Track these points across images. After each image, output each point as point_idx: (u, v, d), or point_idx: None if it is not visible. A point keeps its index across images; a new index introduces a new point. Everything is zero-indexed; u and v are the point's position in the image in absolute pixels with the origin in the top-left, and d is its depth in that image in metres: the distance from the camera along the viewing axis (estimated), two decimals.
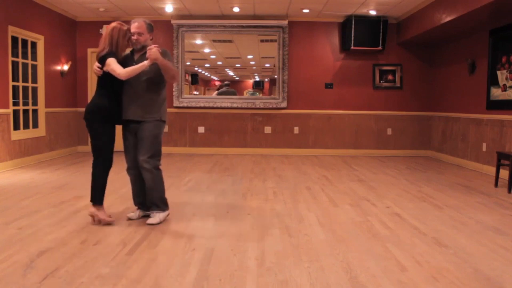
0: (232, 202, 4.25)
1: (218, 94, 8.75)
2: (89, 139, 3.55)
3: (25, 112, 6.62)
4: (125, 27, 3.41)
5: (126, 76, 3.26)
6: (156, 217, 3.45)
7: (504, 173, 5.26)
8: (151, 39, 3.51)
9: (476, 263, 2.66)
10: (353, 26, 7.62)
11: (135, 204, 3.65)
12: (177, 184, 5.12)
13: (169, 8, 7.45)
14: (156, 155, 3.45)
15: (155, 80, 3.43)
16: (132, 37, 3.41)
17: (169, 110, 8.07)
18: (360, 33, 7.66)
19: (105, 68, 3.31)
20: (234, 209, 3.95)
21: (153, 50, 3.21)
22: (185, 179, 5.49)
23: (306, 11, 7.58)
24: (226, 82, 8.97)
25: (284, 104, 8.16)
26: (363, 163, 7.17)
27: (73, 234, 3.13)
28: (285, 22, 7.92)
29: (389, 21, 7.87)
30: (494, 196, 4.68)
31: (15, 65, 6.33)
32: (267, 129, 8.27)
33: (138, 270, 2.49)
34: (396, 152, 8.28)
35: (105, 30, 3.40)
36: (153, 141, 3.42)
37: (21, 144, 6.33)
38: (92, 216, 3.41)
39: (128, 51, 3.55)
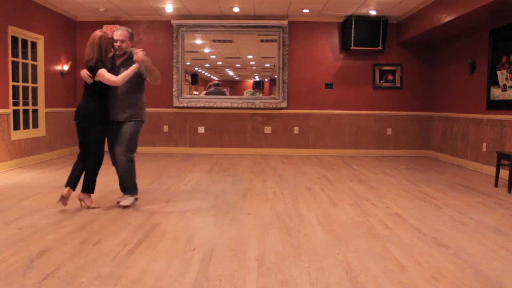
0: (232, 202, 4.25)
1: (207, 94, 8.70)
2: (82, 139, 3.83)
3: (25, 112, 6.62)
4: (109, 35, 3.73)
5: (122, 82, 3.64)
6: (128, 199, 3.95)
7: (504, 173, 5.26)
8: (132, 46, 4.01)
9: (476, 263, 2.66)
10: (353, 26, 7.61)
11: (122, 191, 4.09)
12: (177, 184, 5.11)
13: (169, 8, 7.45)
14: (132, 150, 3.92)
15: (137, 84, 3.88)
16: (116, 43, 3.78)
17: (169, 110, 8.12)
18: (360, 33, 7.66)
19: (96, 78, 3.62)
20: (234, 209, 3.95)
21: (140, 53, 3.64)
22: (185, 179, 5.49)
23: (306, 11, 7.58)
24: (216, 82, 8.95)
25: (284, 104, 8.16)
26: (363, 163, 7.17)
27: (73, 234, 3.13)
28: (285, 22, 7.92)
29: (389, 21, 7.86)
30: (494, 196, 4.68)
31: (15, 65, 6.33)
32: (267, 129, 8.27)
33: (138, 270, 2.49)
34: (396, 152, 8.28)
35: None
36: (132, 137, 3.88)
37: (21, 144, 6.33)
38: (80, 200, 3.85)
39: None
